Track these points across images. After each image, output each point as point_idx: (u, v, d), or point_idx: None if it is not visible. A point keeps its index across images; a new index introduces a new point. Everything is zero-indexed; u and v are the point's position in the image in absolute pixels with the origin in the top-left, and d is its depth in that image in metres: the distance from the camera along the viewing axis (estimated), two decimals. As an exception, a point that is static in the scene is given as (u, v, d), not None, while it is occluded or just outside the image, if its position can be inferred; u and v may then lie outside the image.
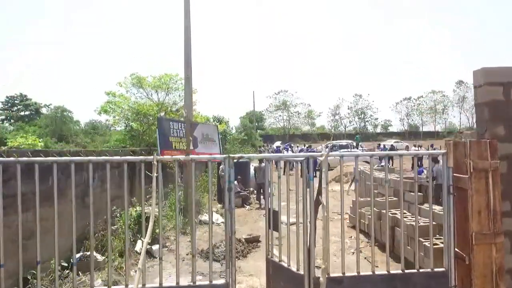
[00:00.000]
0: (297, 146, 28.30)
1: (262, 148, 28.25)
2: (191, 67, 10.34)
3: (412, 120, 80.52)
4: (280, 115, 78.47)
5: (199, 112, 19.91)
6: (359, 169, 12.01)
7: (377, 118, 79.75)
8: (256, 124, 66.01)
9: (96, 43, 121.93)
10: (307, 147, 27.78)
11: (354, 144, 26.36)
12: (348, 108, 79.44)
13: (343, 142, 34.15)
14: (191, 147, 9.88)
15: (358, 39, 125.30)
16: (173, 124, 9.52)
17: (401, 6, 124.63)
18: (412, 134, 76.72)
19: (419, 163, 13.98)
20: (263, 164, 13.81)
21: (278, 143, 29.76)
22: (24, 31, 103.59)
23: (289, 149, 25.45)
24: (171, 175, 9.70)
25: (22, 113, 61.62)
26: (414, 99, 78.97)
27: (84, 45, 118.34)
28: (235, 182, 11.80)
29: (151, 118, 13.86)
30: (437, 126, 79.44)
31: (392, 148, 42.73)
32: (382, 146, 24.69)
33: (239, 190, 11.24)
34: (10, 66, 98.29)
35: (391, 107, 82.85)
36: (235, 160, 3.81)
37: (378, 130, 79.41)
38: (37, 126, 51.97)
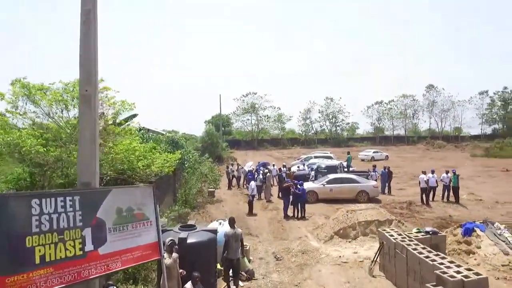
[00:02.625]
0: (273, 165, 23.47)
1: (231, 168, 23.03)
2: (95, 78, 5.13)
3: (383, 124, 78.77)
4: (248, 119, 73.59)
5: (139, 131, 14.34)
6: (393, 239, 7.05)
7: (348, 123, 77.16)
8: (223, 128, 60.62)
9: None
10: (283, 167, 23.03)
11: (344, 164, 21.81)
12: (319, 112, 76.24)
13: (321, 157, 29.56)
14: (90, 248, 4.68)
15: (330, 42, 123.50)
16: (44, 203, 4.27)
17: (373, 10, 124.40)
18: (383, 138, 74.77)
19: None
20: (239, 230, 8.72)
21: (249, 164, 24.60)
22: None
23: (263, 170, 20.53)
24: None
25: None
26: (385, 103, 77.18)
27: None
28: (189, 284, 6.59)
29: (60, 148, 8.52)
30: (402, 130, 78.19)
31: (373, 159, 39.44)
32: (375, 168, 20.36)
33: (196, 299, 6.12)
34: None
35: (363, 111, 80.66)
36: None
37: (345, 134, 76.74)
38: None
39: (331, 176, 18.03)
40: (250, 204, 15.52)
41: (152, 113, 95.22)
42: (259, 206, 16.86)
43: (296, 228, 12.95)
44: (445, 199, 16.46)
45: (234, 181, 22.80)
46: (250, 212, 15.34)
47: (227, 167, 23.52)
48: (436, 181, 16.47)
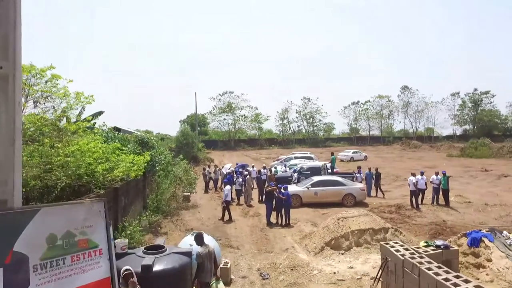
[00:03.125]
0: (253, 167, 22.13)
1: (207, 170, 21.51)
2: (14, 49, 3.60)
3: (359, 124, 79.29)
4: (225, 119, 71.91)
5: (102, 130, 12.60)
6: (400, 255, 5.91)
7: (325, 123, 77.04)
8: (199, 128, 58.70)
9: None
10: (263, 168, 21.76)
11: (328, 165, 20.76)
12: (297, 112, 75.67)
13: (302, 158, 28.58)
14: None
15: (308, 42, 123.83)
16: None
17: (348, 13, 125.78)
18: (359, 139, 75.13)
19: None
20: (211, 247, 5.87)
21: (228, 166, 23.19)
22: None
23: (242, 172, 19.22)
24: None
25: None
26: (361, 103, 77.64)
27: None
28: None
29: None
30: (378, 131, 79.01)
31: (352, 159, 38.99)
32: (360, 169, 19.46)
33: None
34: None
35: (340, 111, 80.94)
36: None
37: (322, 134, 76.59)
38: None
39: (316, 178, 16.90)
40: (227, 210, 14.06)
41: (127, 114, 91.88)
42: (239, 212, 15.49)
43: (282, 238, 11.66)
44: (435, 202, 15.67)
45: (212, 183, 21.31)
46: (229, 219, 13.93)
47: (204, 169, 21.95)
48: (426, 183, 15.67)
